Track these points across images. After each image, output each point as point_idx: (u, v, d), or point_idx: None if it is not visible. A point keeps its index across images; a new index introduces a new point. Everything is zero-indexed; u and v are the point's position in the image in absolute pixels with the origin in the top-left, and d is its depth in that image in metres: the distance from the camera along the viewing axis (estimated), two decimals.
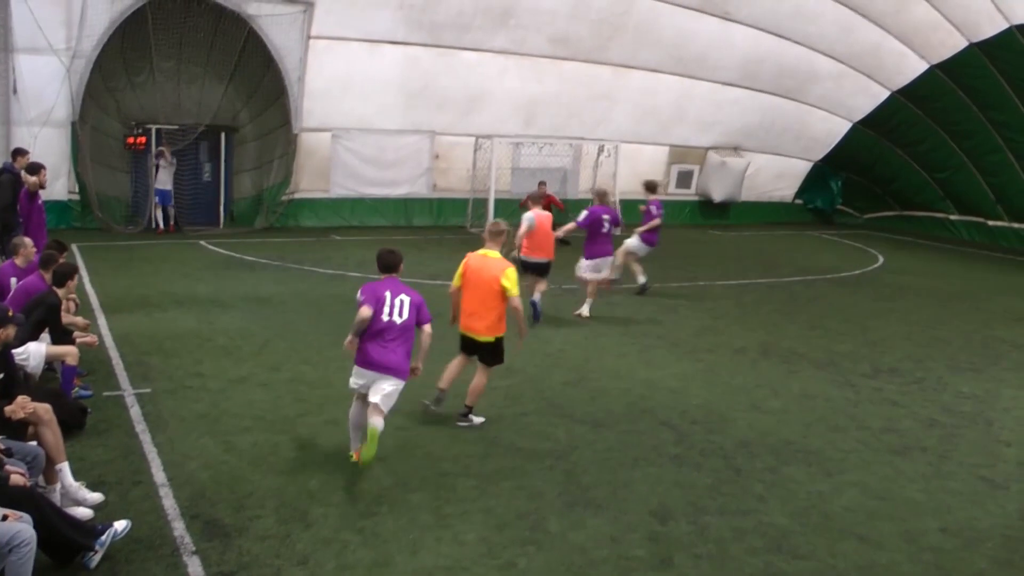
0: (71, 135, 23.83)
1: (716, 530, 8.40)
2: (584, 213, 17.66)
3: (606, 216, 17.46)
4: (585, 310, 17.43)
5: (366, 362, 9.49)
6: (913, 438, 11.40)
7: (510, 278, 10.71)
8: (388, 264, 9.89)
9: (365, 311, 9.37)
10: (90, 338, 11.79)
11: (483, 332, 10.91)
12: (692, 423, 11.47)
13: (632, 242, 20.01)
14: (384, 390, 9.37)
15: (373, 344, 9.47)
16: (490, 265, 10.80)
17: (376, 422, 9.13)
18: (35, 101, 23.10)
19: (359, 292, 9.68)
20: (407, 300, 9.61)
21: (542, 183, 26.47)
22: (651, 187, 20.67)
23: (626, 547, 8.00)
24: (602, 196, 18.18)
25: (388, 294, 9.57)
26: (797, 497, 9.28)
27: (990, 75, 27.92)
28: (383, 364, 9.43)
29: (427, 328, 9.73)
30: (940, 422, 12.09)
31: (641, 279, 19.82)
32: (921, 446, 11.10)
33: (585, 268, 17.70)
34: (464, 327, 11.03)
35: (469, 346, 11.17)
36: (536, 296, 16.48)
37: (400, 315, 9.53)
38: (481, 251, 11.04)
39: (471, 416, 11.09)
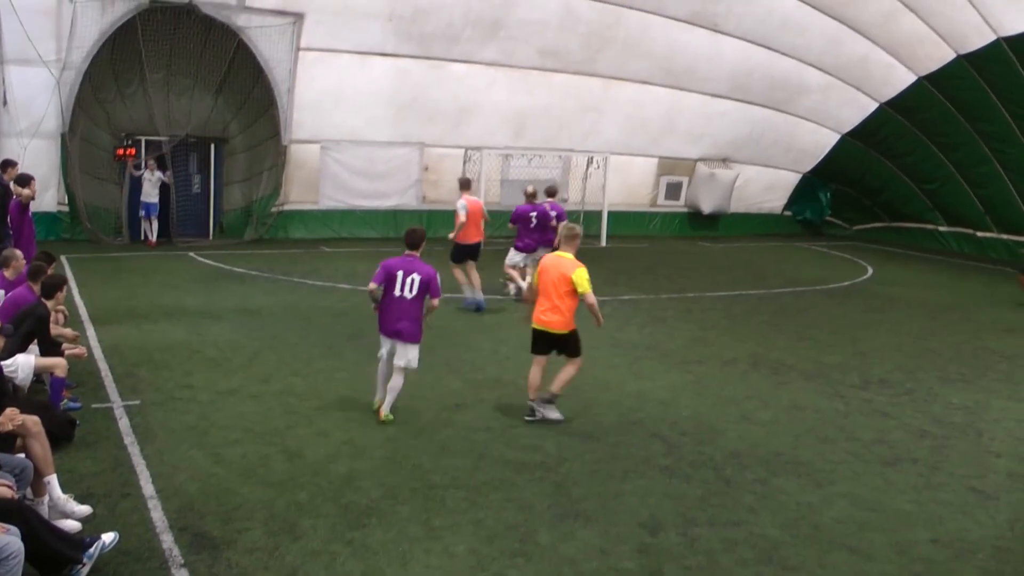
0: (61, 146, 23.82)
1: (706, 541, 8.38)
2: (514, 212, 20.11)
3: (533, 213, 19.66)
4: (512, 289, 19.94)
5: (384, 330, 11.45)
6: (903, 449, 11.41)
7: (581, 277, 11.36)
8: (410, 242, 11.60)
9: (372, 287, 11.32)
10: (79, 349, 11.76)
11: (558, 326, 11.60)
12: (682, 434, 11.47)
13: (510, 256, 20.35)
14: (406, 356, 11.34)
15: (388, 315, 11.35)
16: (563, 265, 11.51)
17: (397, 382, 11.38)
18: (25, 112, 23.09)
19: (381, 265, 11.38)
20: (417, 279, 11.24)
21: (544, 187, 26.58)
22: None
23: (616, 559, 7.99)
24: (530, 196, 20.16)
25: (400, 273, 11.26)
26: (787, 508, 9.28)
27: (978, 87, 28.04)
28: (396, 331, 11.31)
29: (435, 301, 11.43)
30: (930, 433, 12.10)
31: (518, 285, 19.59)
32: (912, 457, 11.11)
33: (514, 258, 19.94)
34: (538, 322, 11.72)
35: (542, 342, 11.81)
36: (478, 295, 18.48)
37: (410, 291, 11.23)
38: (556, 252, 11.83)
39: (550, 409, 11.75)
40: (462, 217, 18.54)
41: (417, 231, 11.77)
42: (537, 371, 11.83)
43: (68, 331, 12.48)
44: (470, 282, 18.65)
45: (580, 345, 11.86)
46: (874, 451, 11.27)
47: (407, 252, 11.51)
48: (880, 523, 9.01)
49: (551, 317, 11.57)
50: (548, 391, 11.77)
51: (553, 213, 20.01)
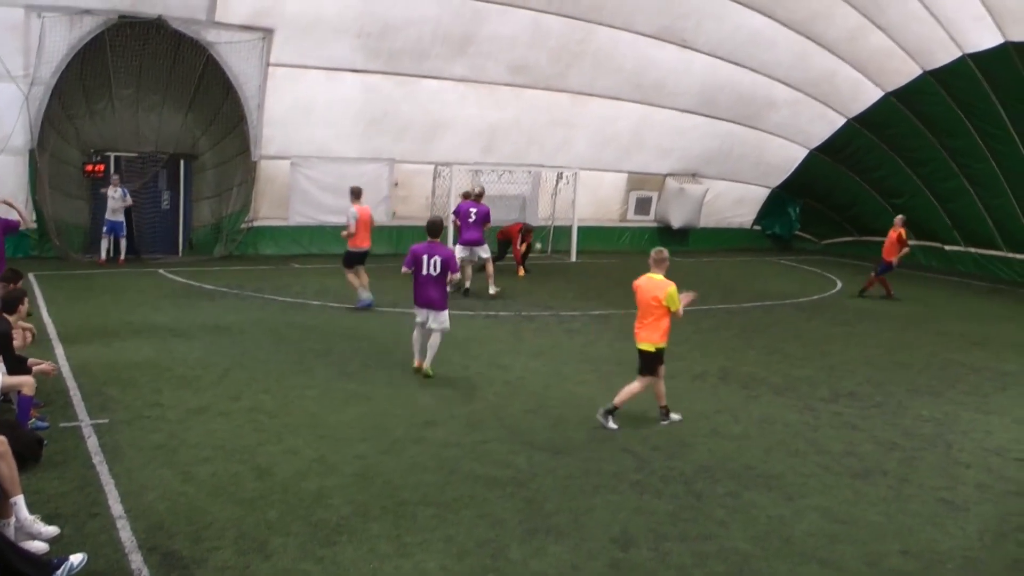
0: (29, 162, 23.66)
1: (677, 556, 8.39)
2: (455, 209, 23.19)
3: (473, 209, 22.27)
4: (492, 289, 22.18)
5: (418, 302, 14.49)
6: (873, 461, 11.46)
7: (672, 296, 12.07)
8: (431, 230, 14.63)
9: (404, 271, 14.57)
10: (47, 365, 11.64)
11: (648, 341, 12.25)
12: (653, 449, 11.48)
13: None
14: (439, 320, 14.43)
15: (421, 289, 14.39)
16: (654, 285, 12.16)
17: (435, 340, 14.42)
18: None
19: (410, 250, 14.55)
20: (439, 259, 14.23)
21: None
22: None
23: (587, 574, 7.97)
24: (467, 195, 23.40)
25: (425, 257, 14.24)
26: (758, 522, 9.30)
27: (944, 102, 28.36)
28: (428, 302, 14.36)
29: (456, 276, 14.76)
30: (900, 445, 12.17)
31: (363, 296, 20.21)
32: (881, 469, 11.17)
33: (458, 252, 21.51)
34: (636, 339, 12.41)
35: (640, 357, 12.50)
36: (367, 294, 19.88)
37: (435, 270, 14.20)
38: (647, 275, 12.34)
39: (611, 417, 12.29)
40: (352, 226, 19.68)
41: (436, 220, 14.96)
42: (659, 381, 12.50)
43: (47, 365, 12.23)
44: (362, 283, 19.89)
45: (658, 367, 12.40)
46: (844, 464, 11.32)
47: (429, 239, 14.44)
48: (850, 535, 9.05)
49: (644, 334, 12.27)
50: (612, 403, 12.32)
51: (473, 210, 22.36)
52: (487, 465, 10.59)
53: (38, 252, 24.24)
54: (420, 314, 14.53)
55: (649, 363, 12.34)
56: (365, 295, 19.89)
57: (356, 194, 20.41)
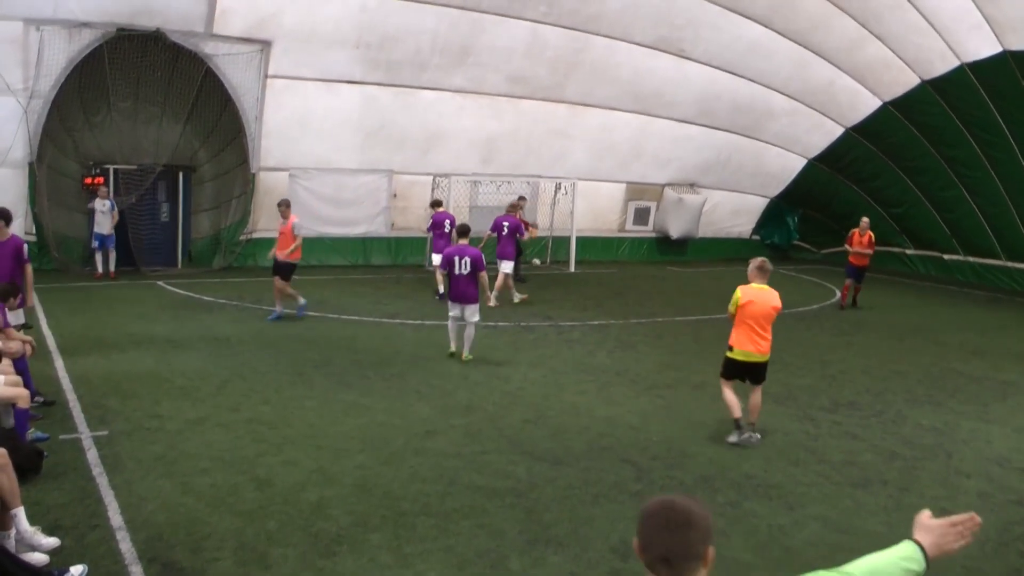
0: (28, 175, 23.64)
1: None
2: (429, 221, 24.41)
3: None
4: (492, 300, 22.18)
5: (453, 297, 16.44)
6: (874, 471, 11.46)
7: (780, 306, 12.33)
8: (461, 232, 17.09)
9: (440, 274, 18.35)
10: (15, 345, 11.69)
11: (763, 352, 12.31)
12: (653, 459, 11.48)
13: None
14: (471, 311, 16.35)
15: (455, 286, 16.34)
16: (770, 295, 12.27)
17: (470, 332, 16.35)
18: None
19: (442, 255, 17.58)
20: (468, 259, 16.09)
21: (522, 198, 27.65)
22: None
23: None
24: (436, 205, 25.09)
25: (457, 258, 16.14)
26: (759, 531, 9.29)
27: (942, 112, 28.35)
28: (461, 296, 16.30)
29: (483, 274, 16.35)
30: (900, 455, 12.17)
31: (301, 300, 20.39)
32: (882, 479, 11.16)
33: (436, 261, 22.28)
34: (745, 349, 12.30)
35: (739, 369, 12.45)
36: (300, 299, 19.91)
37: (465, 268, 16.10)
38: (754, 285, 12.34)
39: (756, 436, 12.38)
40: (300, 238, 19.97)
41: (465, 225, 17.53)
42: (733, 392, 12.48)
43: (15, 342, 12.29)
44: (293, 295, 19.88)
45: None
46: (844, 473, 11.32)
47: (459, 241, 16.85)
48: (851, 545, 9.02)
49: (761, 345, 12.26)
50: (750, 421, 12.38)
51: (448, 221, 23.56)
52: (487, 475, 10.59)
53: (37, 265, 23.97)
54: (454, 308, 16.44)
55: (764, 372, 12.49)
56: (299, 302, 19.92)
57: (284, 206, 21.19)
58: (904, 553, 3.88)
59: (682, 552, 3.40)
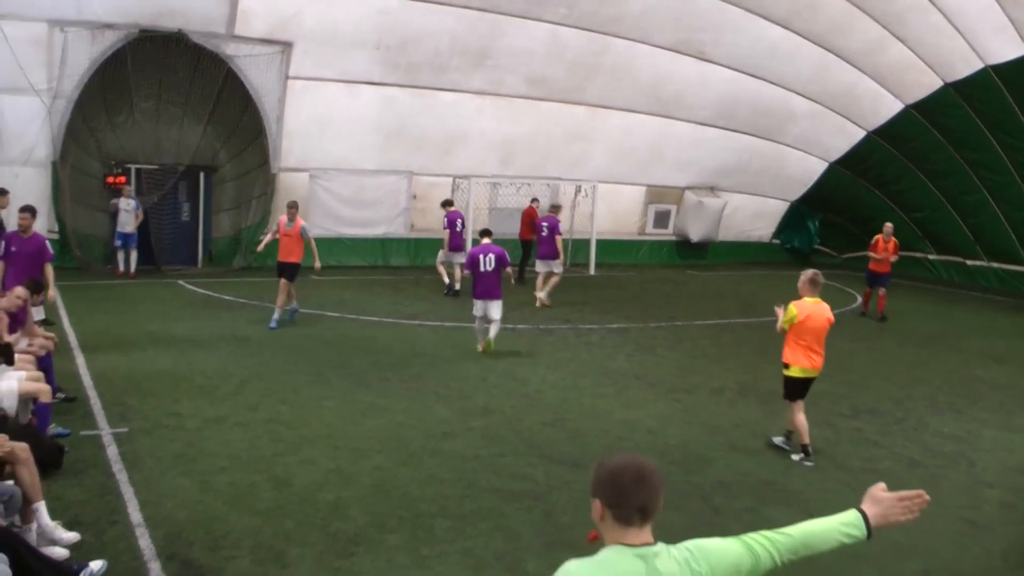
0: (52, 174, 23.79)
1: None
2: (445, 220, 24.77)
3: (459, 219, 24.67)
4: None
5: (477, 295, 16.89)
6: (894, 479, 11.28)
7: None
8: (485, 233, 17.96)
9: (465, 273, 17.91)
10: (40, 341, 11.78)
11: (817, 368, 12.14)
12: (670, 463, 11.42)
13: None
14: (496, 308, 16.89)
15: (479, 284, 16.83)
16: (824, 308, 12.06)
17: (494, 329, 16.99)
18: (16, 141, 23.18)
19: (468, 254, 18.31)
20: (493, 257, 16.81)
21: (535, 200, 27.96)
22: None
23: None
24: (447, 204, 25.58)
25: (482, 256, 16.83)
26: None
27: (965, 115, 28.17)
28: (487, 294, 16.80)
29: (508, 269, 17.18)
30: (922, 463, 12.08)
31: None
32: (902, 487, 11.02)
33: (445, 256, 24.58)
34: (807, 367, 12.07)
35: (802, 386, 12.16)
36: (293, 303, 19.61)
37: (490, 266, 16.77)
38: (807, 300, 12.08)
39: (804, 454, 11.96)
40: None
41: (487, 228, 18.86)
42: (803, 413, 12.07)
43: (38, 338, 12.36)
44: (292, 296, 19.57)
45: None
46: (864, 480, 11.18)
47: (483, 240, 17.58)
48: (872, 553, 8.93)
49: (816, 360, 12.07)
50: (802, 443, 11.98)
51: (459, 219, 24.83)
52: (504, 478, 10.57)
53: (59, 263, 24.19)
54: (477, 306, 16.94)
55: (808, 388, 12.24)
56: (292, 305, 19.63)
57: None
58: (846, 519, 4.15)
59: (655, 501, 3.79)
